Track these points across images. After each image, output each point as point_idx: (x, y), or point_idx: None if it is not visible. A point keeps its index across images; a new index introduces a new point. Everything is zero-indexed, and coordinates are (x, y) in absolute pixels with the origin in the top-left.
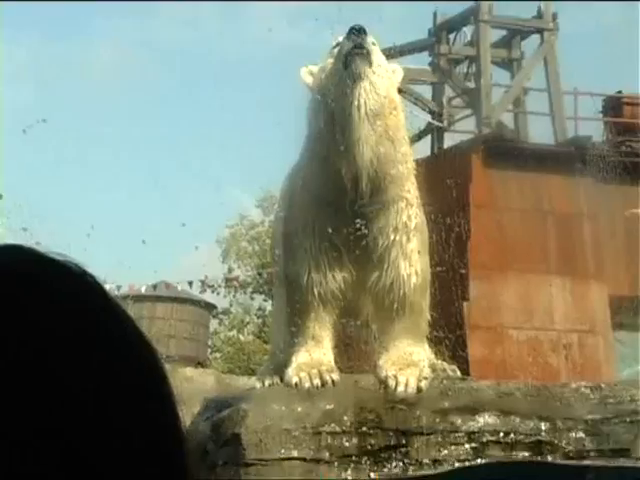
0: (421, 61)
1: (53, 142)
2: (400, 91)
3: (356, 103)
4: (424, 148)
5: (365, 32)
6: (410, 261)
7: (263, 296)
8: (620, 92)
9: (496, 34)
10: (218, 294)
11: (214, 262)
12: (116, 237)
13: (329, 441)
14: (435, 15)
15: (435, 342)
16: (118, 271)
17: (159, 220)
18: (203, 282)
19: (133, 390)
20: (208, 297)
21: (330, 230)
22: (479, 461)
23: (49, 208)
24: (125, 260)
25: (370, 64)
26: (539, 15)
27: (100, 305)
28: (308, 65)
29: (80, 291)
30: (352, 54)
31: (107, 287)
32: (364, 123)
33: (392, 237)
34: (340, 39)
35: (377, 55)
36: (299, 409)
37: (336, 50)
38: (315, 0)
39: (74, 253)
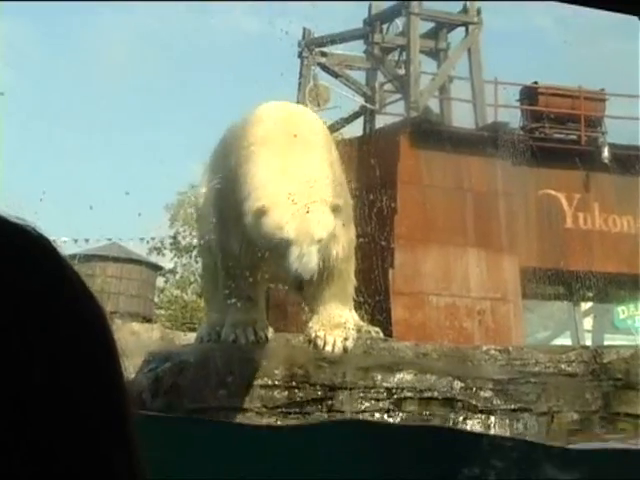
0: (357, 48)
1: (10, 113)
2: (336, 75)
3: None
4: (357, 129)
5: None
6: (336, 239)
7: None
8: (536, 83)
9: (425, 26)
10: (164, 255)
11: (161, 227)
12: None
13: (261, 393)
14: (370, 7)
15: (363, 307)
16: (68, 232)
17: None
18: (151, 242)
19: (79, 340)
20: (154, 259)
21: None
22: (399, 415)
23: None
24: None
25: None
26: (465, 10)
27: (53, 264)
28: None
29: (34, 249)
30: None
31: (65, 239)
32: None
33: None
34: None
35: None
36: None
37: None
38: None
39: (27, 215)
